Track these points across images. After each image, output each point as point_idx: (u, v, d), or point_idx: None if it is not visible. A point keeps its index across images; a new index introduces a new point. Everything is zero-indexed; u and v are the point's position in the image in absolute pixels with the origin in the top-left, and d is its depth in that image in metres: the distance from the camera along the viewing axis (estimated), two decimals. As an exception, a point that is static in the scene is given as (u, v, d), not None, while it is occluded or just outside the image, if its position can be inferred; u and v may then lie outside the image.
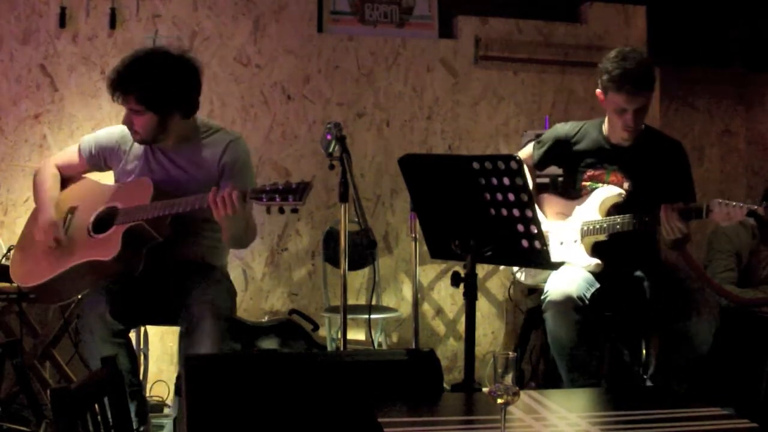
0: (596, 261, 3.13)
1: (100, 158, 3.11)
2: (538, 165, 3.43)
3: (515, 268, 3.42)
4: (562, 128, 3.36)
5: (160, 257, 2.90)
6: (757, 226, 3.08)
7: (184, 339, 2.81)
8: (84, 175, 3.19)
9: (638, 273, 3.21)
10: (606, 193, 3.19)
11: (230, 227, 2.79)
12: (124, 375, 2.68)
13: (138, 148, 3.03)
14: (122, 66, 2.87)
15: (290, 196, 2.55)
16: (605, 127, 3.26)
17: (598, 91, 3.17)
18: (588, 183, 3.26)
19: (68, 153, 3.20)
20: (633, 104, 3.07)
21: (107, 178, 3.21)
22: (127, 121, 2.93)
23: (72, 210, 3.05)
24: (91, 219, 2.96)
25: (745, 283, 3.93)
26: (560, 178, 3.50)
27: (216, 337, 2.73)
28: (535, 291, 3.33)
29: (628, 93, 3.05)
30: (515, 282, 3.55)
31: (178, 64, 2.90)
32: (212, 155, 2.96)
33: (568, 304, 3.00)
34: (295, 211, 2.58)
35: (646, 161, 3.19)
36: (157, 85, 2.83)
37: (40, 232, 2.97)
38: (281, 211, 2.58)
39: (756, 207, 2.72)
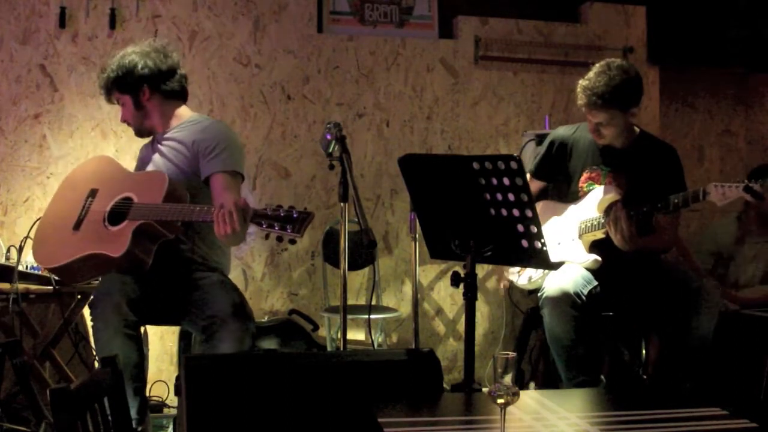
0: (595, 257, 3.14)
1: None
2: (537, 172, 3.46)
3: (512, 272, 3.43)
4: (557, 131, 3.45)
5: (169, 254, 2.91)
6: (754, 203, 3.14)
7: (204, 342, 2.81)
8: (105, 156, 3.33)
9: (637, 271, 3.21)
10: (603, 192, 3.21)
11: (227, 241, 2.86)
12: (130, 369, 2.70)
13: (148, 142, 3.17)
14: (101, 70, 3.15)
15: (288, 226, 2.50)
16: None
17: None
18: (585, 184, 3.28)
19: None
20: (593, 118, 3.16)
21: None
22: (122, 118, 3.14)
23: (93, 193, 3.06)
24: (108, 208, 2.97)
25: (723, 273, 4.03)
26: (560, 177, 3.51)
27: (239, 336, 2.74)
28: (535, 291, 3.33)
29: (585, 106, 3.13)
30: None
31: (140, 46, 3.11)
32: (187, 137, 3.03)
33: (565, 300, 3.02)
34: (292, 242, 2.52)
35: (641, 164, 3.23)
36: (122, 66, 3.04)
37: None
38: (279, 239, 2.54)
39: (753, 184, 2.77)
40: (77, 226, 3.00)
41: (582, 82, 3.14)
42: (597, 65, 3.16)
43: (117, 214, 2.94)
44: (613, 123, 3.15)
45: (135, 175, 3.10)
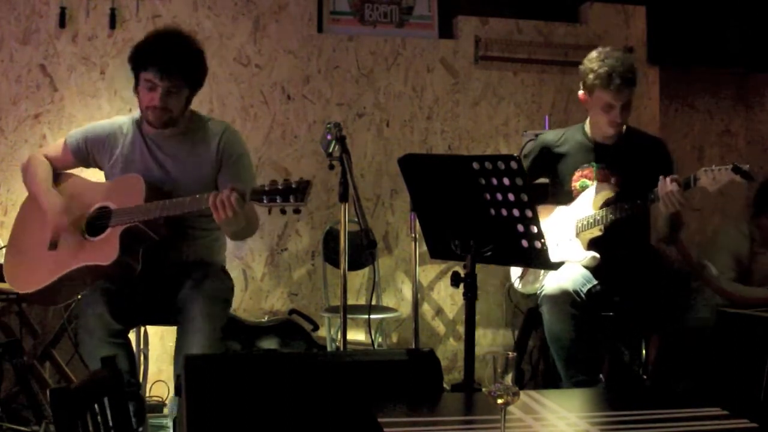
0: (593, 253, 3.16)
1: (88, 154, 3.07)
2: (527, 176, 3.47)
3: (513, 276, 3.44)
4: (545, 136, 3.49)
5: (157, 258, 2.89)
6: (745, 184, 3.15)
7: (178, 327, 2.81)
8: (71, 173, 3.15)
9: (633, 267, 3.23)
10: (598, 189, 3.24)
11: (230, 227, 2.79)
12: (122, 375, 2.69)
13: (131, 142, 3.01)
14: (167, 44, 2.89)
15: (291, 196, 2.52)
16: (588, 128, 3.36)
17: (581, 93, 3.28)
18: (578, 183, 3.32)
19: (54, 148, 3.16)
20: (620, 100, 3.18)
21: (99, 175, 3.20)
22: (163, 101, 2.87)
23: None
24: (84, 221, 2.93)
25: (744, 283, 3.96)
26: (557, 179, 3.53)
27: (207, 313, 2.74)
28: (534, 292, 3.34)
29: (616, 89, 3.15)
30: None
31: (199, 44, 3.04)
32: (210, 143, 2.98)
33: (564, 298, 3.04)
34: (297, 211, 2.56)
35: (631, 158, 3.28)
36: (198, 62, 2.96)
37: (54, 216, 2.91)
38: (283, 212, 2.56)
39: (742, 165, 2.79)
40: (53, 246, 2.93)
41: (597, 73, 3.15)
42: (593, 56, 3.21)
43: (96, 225, 2.89)
44: (631, 102, 3.23)
45: (105, 184, 3.03)
